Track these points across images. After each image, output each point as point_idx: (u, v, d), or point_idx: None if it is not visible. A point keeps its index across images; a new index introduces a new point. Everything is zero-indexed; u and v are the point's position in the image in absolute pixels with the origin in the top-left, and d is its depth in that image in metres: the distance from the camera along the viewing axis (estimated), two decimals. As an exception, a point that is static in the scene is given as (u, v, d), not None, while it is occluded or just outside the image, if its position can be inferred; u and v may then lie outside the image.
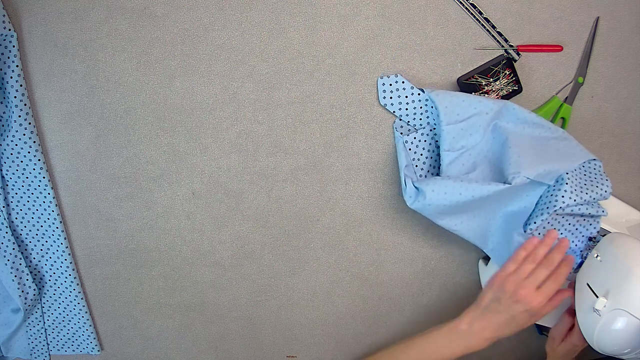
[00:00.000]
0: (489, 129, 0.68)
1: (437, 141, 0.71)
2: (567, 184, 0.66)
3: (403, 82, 0.69)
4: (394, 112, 0.71)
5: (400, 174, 0.71)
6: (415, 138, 0.71)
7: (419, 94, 0.69)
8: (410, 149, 0.71)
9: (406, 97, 0.70)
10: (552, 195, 0.67)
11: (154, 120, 0.71)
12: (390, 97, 0.70)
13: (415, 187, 0.68)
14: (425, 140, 0.71)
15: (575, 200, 0.65)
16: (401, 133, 0.71)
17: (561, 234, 0.68)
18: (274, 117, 0.71)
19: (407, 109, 0.70)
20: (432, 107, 0.70)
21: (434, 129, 0.71)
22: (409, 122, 0.71)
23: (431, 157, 0.72)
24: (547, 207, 0.67)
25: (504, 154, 0.67)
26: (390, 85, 0.69)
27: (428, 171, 0.73)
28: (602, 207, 0.68)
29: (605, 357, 0.68)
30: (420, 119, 0.71)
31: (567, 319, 0.69)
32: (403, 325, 0.82)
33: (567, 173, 0.66)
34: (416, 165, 0.72)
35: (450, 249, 0.77)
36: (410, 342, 0.70)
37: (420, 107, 0.70)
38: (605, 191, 0.67)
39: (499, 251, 0.70)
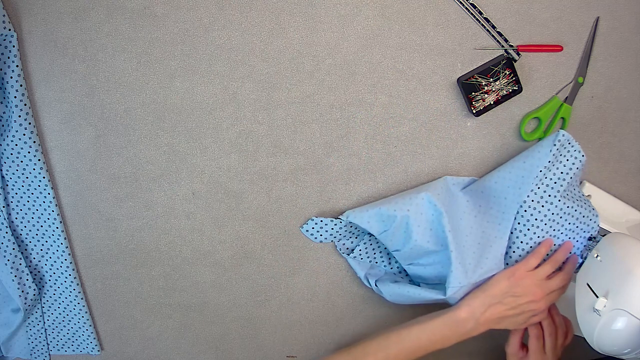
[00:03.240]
0: (422, 220, 0.68)
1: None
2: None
3: (321, 221, 0.73)
4: (332, 241, 0.75)
5: (364, 282, 0.75)
6: (360, 250, 0.75)
7: (340, 221, 0.73)
8: (362, 258, 0.75)
9: (332, 228, 0.74)
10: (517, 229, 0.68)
11: (154, 120, 0.71)
12: (320, 235, 0.74)
13: (377, 285, 0.73)
14: (370, 244, 0.75)
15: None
16: (347, 253, 0.75)
17: (561, 233, 0.68)
18: (274, 117, 0.71)
19: (339, 235, 0.75)
20: (355, 227, 0.74)
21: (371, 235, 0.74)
22: (346, 243, 0.76)
23: (388, 254, 0.76)
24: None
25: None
26: (312, 228, 0.74)
27: (389, 262, 0.77)
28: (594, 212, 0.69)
29: (605, 357, 0.68)
30: (357, 237, 0.75)
31: (517, 336, 0.70)
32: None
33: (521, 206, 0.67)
34: (376, 262, 0.76)
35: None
36: (402, 332, 0.67)
37: (351, 227, 0.74)
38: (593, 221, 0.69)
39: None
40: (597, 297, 0.57)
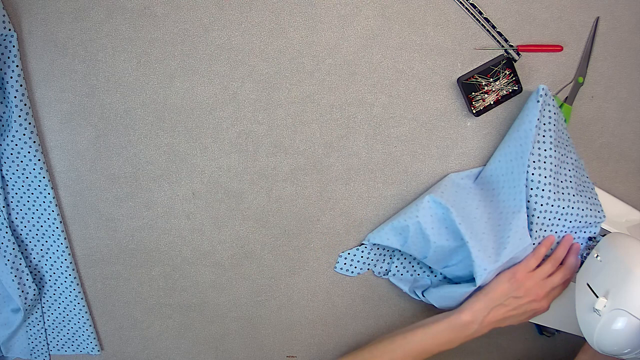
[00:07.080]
0: (434, 220, 0.69)
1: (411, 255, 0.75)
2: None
3: (349, 254, 0.75)
4: (368, 269, 0.76)
5: (411, 295, 0.76)
6: (397, 268, 0.76)
7: (365, 247, 0.74)
8: (402, 274, 0.76)
9: (361, 256, 0.75)
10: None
11: (154, 120, 0.71)
12: (355, 267, 0.75)
13: (424, 296, 0.74)
14: (405, 259, 0.76)
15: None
16: (384, 275, 0.76)
17: (570, 182, 0.68)
18: (274, 117, 0.71)
19: (371, 260, 0.76)
20: (383, 248, 0.75)
21: (399, 250, 0.75)
22: (383, 265, 0.76)
23: (425, 264, 0.76)
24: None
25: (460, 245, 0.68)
26: (345, 263, 0.76)
27: (431, 272, 0.77)
28: (601, 213, 0.69)
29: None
30: (391, 257, 0.76)
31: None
32: (404, 327, 0.81)
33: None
34: (418, 274, 0.77)
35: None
36: (408, 335, 0.68)
37: (378, 249, 0.75)
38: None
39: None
40: (597, 297, 0.57)
